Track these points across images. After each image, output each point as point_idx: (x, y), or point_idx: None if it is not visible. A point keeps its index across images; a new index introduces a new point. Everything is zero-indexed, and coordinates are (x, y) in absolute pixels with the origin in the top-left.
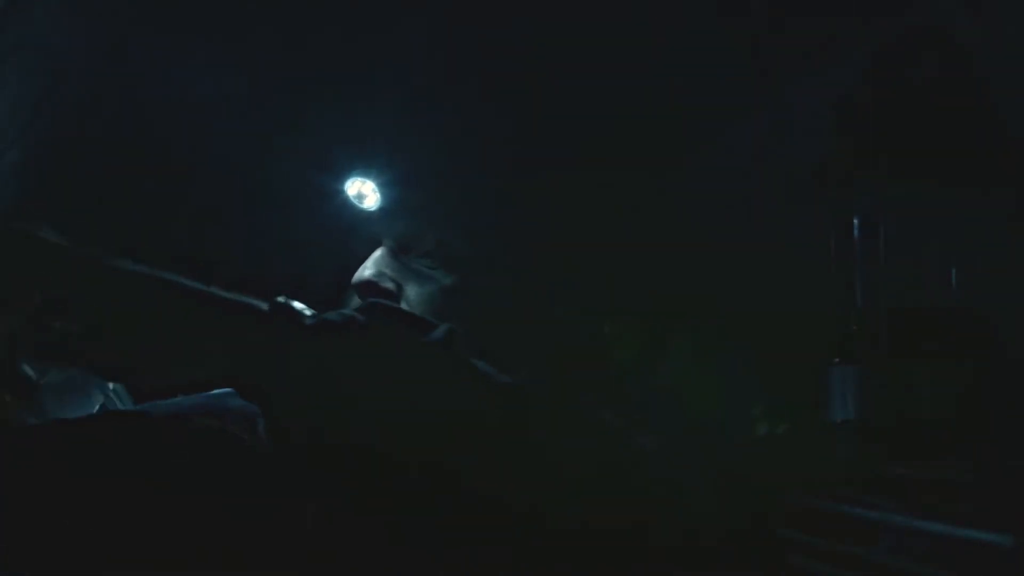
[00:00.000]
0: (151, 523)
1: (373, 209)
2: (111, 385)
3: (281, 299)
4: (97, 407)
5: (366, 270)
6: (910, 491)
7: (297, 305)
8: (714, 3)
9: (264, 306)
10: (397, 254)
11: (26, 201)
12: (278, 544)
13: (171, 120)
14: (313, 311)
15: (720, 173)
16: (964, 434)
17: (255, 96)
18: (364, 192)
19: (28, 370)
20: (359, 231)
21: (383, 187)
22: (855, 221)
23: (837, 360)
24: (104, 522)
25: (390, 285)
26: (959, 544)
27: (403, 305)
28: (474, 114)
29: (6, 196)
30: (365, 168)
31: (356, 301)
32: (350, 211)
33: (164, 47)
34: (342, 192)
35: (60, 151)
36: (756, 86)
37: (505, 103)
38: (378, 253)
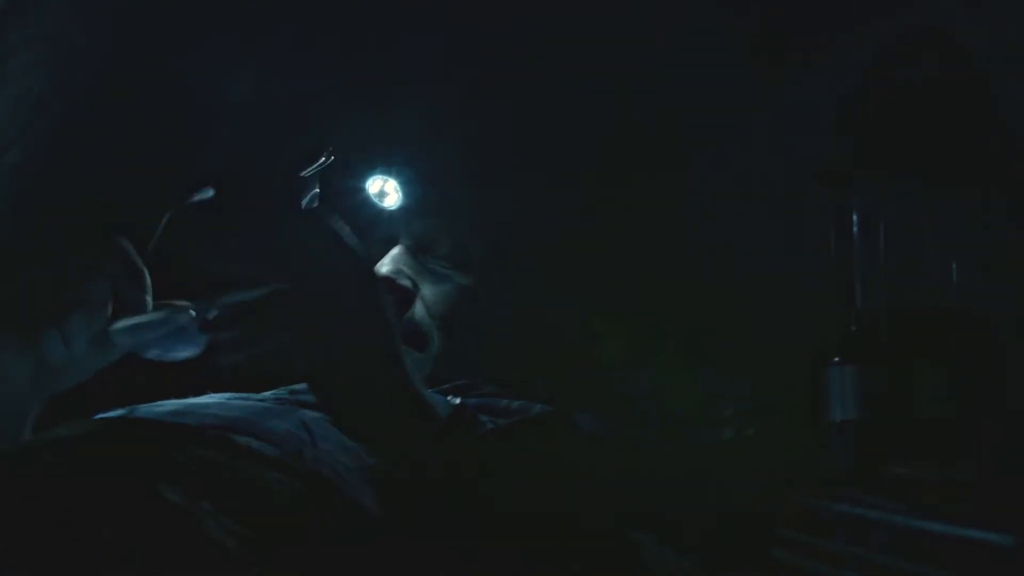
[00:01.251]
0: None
1: (393, 208)
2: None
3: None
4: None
5: (383, 267)
6: (910, 491)
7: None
8: (714, 3)
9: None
10: (414, 253)
11: (26, 201)
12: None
13: (180, 119)
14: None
15: (720, 173)
16: (964, 434)
17: (274, 95)
18: (386, 190)
19: None
20: (378, 229)
21: (405, 185)
22: (855, 220)
23: (837, 360)
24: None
25: (407, 283)
26: (959, 544)
27: (418, 303)
28: (485, 117)
29: (6, 196)
30: (388, 166)
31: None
32: (370, 209)
33: (173, 46)
34: (363, 190)
35: (61, 151)
36: (756, 86)
37: (513, 105)
38: (396, 251)
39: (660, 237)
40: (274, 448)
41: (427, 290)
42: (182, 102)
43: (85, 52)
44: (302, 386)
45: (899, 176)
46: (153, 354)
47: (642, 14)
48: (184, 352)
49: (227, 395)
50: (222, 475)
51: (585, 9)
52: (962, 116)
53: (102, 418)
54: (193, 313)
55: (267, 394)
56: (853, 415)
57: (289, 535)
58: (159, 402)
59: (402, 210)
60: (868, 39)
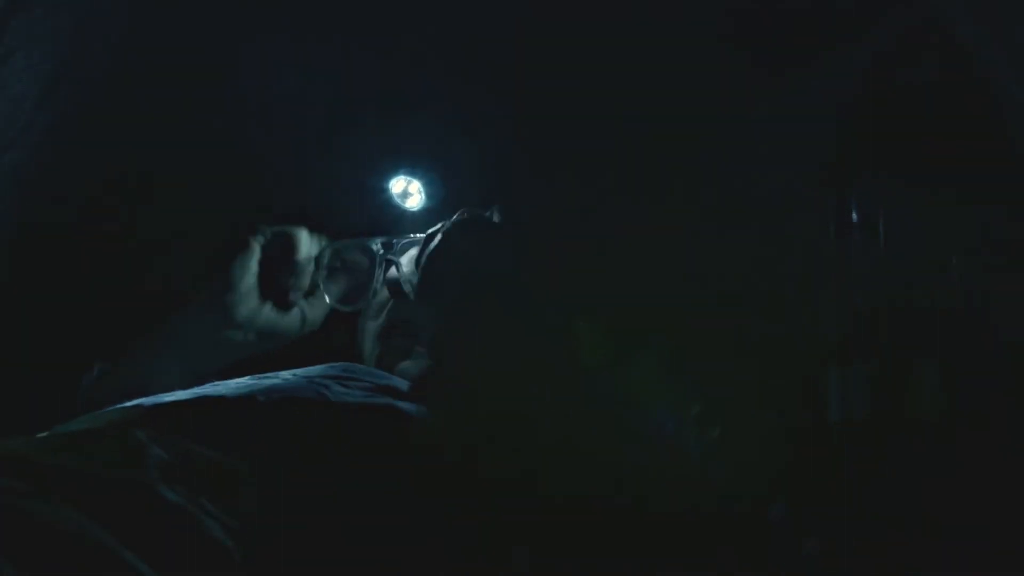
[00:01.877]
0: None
1: (416, 209)
2: None
3: None
4: None
5: (403, 267)
6: (909, 491)
7: None
8: (714, 3)
9: None
10: None
11: (26, 201)
12: None
13: (185, 117)
14: None
15: (719, 172)
16: (964, 434)
17: (293, 94)
18: (410, 191)
19: None
20: (400, 229)
21: (428, 186)
22: (855, 221)
23: (837, 360)
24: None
25: None
26: (959, 543)
27: None
28: (505, 116)
29: (6, 196)
30: (412, 166)
31: (385, 295)
32: (393, 209)
33: (177, 45)
34: (386, 189)
35: (61, 151)
36: (755, 86)
37: (522, 108)
38: (413, 252)
39: (659, 236)
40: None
41: None
42: (187, 100)
43: (85, 52)
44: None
45: (899, 176)
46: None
47: (642, 14)
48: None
49: (237, 380)
50: (220, 473)
51: (586, 10)
52: (962, 116)
53: (120, 408)
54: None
55: (272, 374)
56: (853, 415)
57: (293, 534)
58: (172, 392)
59: (425, 211)
60: (868, 39)
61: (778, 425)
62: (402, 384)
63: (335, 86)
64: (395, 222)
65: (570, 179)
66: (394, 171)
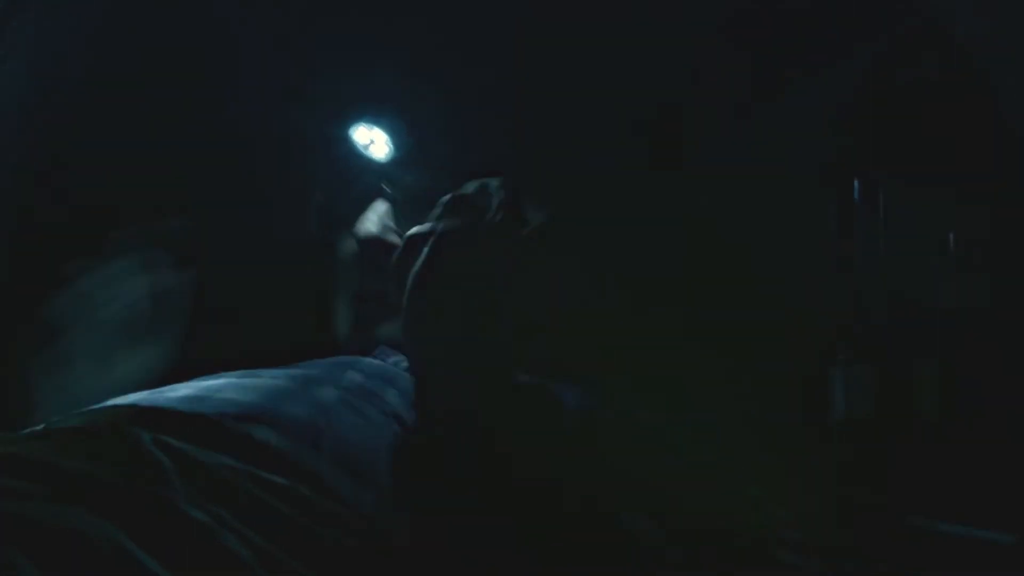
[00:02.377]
0: None
1: (382, 159)
2: None
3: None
4: None
5: (371, 224)
6: (911, 490)
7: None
8: (715, 3)
9: None
10: (400, 207)
11: (26, 201)
12: None
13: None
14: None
15: (720, 173)
16: (964, 433)
17: (261, 42)
18: (374, 139)
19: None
20: (364, 179)
21: (393, 136)
22: (855, 221)
23: (838, 359)
24: None
25: (395, 238)
26: (959, 544)
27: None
28: (486, 92)
29: (6, 196)
30: (376, 116)
31: (353, 244)
32: (357, 159)
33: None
34: (349, 138)
35: (61, 151)
36: (757, 86)
37: (520, 102)
38: (381, 207)
39: (658, 234)
40: (290, 442)
41: None
42: (186, 93)
43: (85, 52)
44: (309, 363)
45: (899, 176)
46: None
47: (643, 14)
48: None
49: (239, 373)
50: (241, 485)
51: (587, 9)
52: (962, 115)
53: (114, 406)
54: None
55: (278, 372)
56: (855, 414)
57: (303, 545)
58: (172, 386)
59: (391, 162)
60: (868, 39)
61: (778, 426)
62: (410, 414)
63: (299, 34)
64: (360, 172)
65: (568, 171)
66: (356, 120)
